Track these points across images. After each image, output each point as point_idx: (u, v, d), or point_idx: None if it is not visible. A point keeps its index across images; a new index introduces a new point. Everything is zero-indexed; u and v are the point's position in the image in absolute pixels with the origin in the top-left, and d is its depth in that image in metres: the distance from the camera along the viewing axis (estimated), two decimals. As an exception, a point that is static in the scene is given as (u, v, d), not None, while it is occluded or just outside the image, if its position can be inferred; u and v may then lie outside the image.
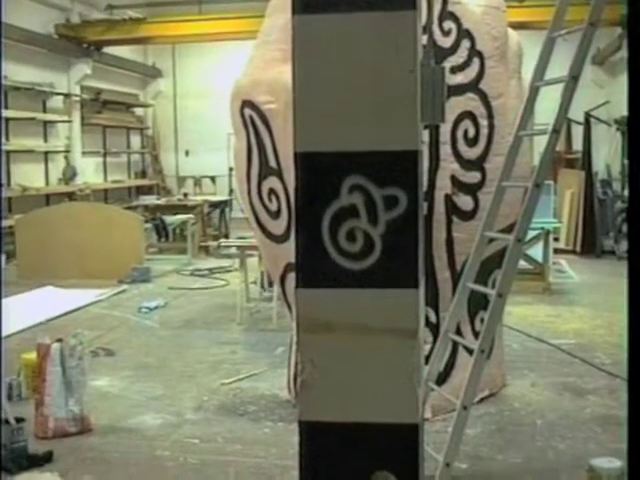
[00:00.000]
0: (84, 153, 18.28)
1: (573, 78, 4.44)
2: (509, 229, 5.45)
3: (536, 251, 11.45)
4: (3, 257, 10.58)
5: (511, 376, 7.05)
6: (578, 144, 17.46)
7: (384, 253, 3.36)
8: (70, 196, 16.67)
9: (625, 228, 14.41)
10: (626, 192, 15.47)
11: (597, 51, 18.54)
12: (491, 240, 5.12)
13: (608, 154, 18.45)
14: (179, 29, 17.75)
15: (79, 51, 17.81)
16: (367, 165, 3.34)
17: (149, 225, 15.31)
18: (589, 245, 14.63)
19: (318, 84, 3.35)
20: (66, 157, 17.64)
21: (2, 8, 14.84)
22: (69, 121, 17.60)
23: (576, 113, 15.48)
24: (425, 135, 5.74)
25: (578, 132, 17.39)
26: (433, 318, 6.05)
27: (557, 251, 13.42)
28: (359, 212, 3.37)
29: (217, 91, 17.61)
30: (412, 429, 3.44)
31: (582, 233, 14.72)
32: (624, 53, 17.12)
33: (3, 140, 14.32)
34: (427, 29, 5.49)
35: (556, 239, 13.82)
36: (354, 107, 3.34)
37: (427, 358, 5.08)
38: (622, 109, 17.67)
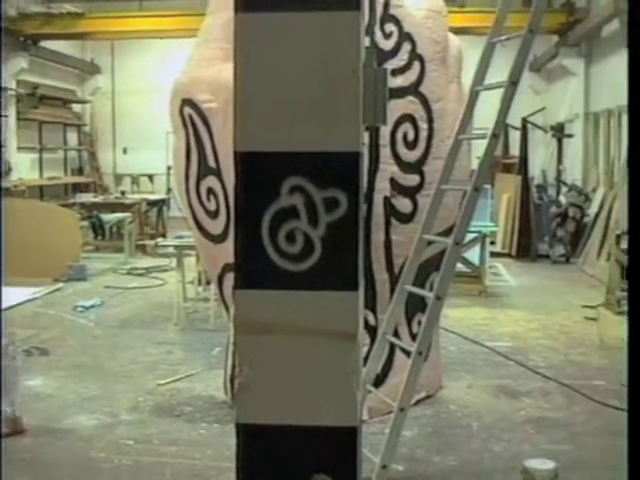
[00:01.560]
0: (19, 148, 17.93)
1: (513, 83, 4.48)
2: (447, 232, 5.48)
3: (473, 254, 11.56)
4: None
5: (448, 378, 7.10)
6: (515, 149, 17.68)
7: (324, 255, 3.34)
8: (4, 192, 16.34)
9: (559, 233, 14.64)
10: (561, 198, 15.71)
11: (534, 58, 18.81)
12: (429, 243, 5.15)
13: (544, 160, 18.73)
14: (119, 25, 17.52)
15: (16, 44, 17.46)
16: (308, 166, 3.32)
17: (85, 223, 15.12)
18: (525, 249, 14.84)
19: (260, 83, 3.32)
20: (0, 152, 17.29)
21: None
22: (4, 116, 17.24)
23: (513, 118, 15.67)
24: (365, 137, 5.75)
25: (515, 137, 17.61)
26: (372, 320, 6.06)
27: (494, 254, 13.57)
28: (299, 213, 3.35)
29: (156, 89, 17.43)
30: (350, 432, 3.43)
31: (518, 237, 14.92)
32: (560, 60, 17.45)
33: None
34: (369, 31, 5.51)
35: (493, 243, 13.98)
36: (296, 107, 3.32)
37: (364, 360, 5.08)
38: (557, 115, 17.99)
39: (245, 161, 3.37)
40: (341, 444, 3.43)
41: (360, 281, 3.43)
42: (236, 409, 3.53)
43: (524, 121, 16.59)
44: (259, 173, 3.35)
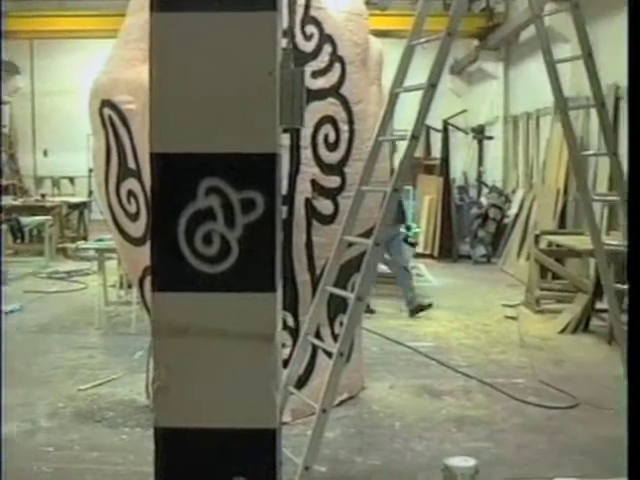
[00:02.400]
0: None
1: (431, 86, 4.52)
2: (368, 233, 5.50)
3: (396, 255, 11.62)
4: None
5: (370, 379, 7.13)
6: (437, 151, 17.89)
7: (241, 257, 3.33)
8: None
9: (480, 233, 14.87)
10: (482, 199, 15.96)
11: (455, 61, 19.07)
12: (350, 244, 5.16)
13: (465, 161, 18.99)
14: (37, 24, 17.21)
15: None
16: (224, 167, 3.30)
17: (4, 226, 14.81)
18: (446, 250, 15.02)
19: (175, 84, 3.29)
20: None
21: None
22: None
23: (435, 121, 15.86)
24: (286, 139, 5.75)
25: (437, 139, 17.81)
26: (291, 322, 6.06)
27: (416, 255, 13.69)
28: (216, 215, 3.33)
29: (77, 90, 17.08)
30: (270, 434, 3.42)
31: (440, 238, 15.10)
32: (480, 64, 17.75)
33: None
34: (289, 32, 5.50)
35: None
36: (212, 108, 3.30)
37: (286, 362, 5.08)
38: (478, 118, 18.27)
39: (161, 162, 3.33)
40: (260, 446, 3.41)
41: (278, 282, 3.42)
42: (154, 413, 3.49)
43: (445, 123, 16.78)
44: (175, 174, 3.32)
